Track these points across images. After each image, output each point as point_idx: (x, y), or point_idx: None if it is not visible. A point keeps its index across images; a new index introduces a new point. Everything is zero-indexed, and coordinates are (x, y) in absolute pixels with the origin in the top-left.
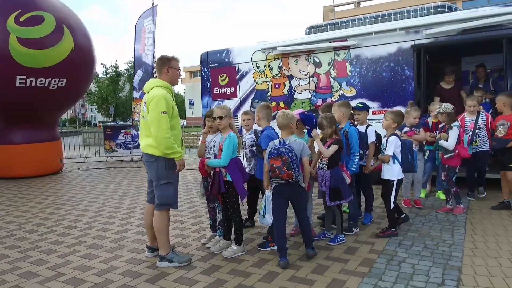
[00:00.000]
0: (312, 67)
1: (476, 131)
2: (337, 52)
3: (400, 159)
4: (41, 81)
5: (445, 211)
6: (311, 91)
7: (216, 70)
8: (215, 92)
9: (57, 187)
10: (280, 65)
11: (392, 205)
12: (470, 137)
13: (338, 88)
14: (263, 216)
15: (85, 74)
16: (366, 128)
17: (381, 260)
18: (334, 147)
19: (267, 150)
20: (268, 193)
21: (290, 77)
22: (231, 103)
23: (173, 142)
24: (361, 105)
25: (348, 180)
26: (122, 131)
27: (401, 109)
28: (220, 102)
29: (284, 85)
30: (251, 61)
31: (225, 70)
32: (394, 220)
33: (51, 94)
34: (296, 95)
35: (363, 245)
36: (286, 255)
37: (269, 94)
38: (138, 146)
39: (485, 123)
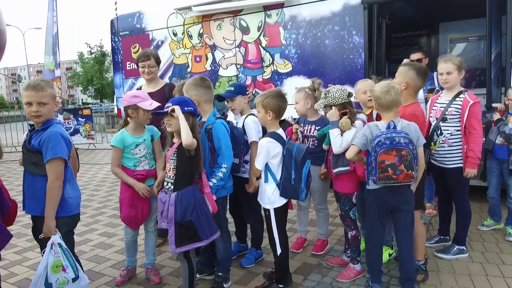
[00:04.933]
0: (239, 34)
1: (441, 123)
2: (268, 12)
3: (277, 177)
4: None
5: (338, 264)
6: (238, 66)
7: (128, 39)
8: (127, 67)
9: None
10: (201, 31)
11: (278, 250)
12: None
13: (270, 61)
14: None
15: None
16: (245, 120)
17: None
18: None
19: (375, 139)
20: (57, 239)
21: (213, 47)
22: None
23: None
24: (233, 89)
25: (210, 211)
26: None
27: (351, 89)
28: (134, 82)
29: (207, 58)
30: (167, 27)
31: (137, 39)
32: (285, 271)
33: None
34: (221, 71)
35: None
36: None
37: (189, 69)
38: (73, 133)
39: (460, 112)
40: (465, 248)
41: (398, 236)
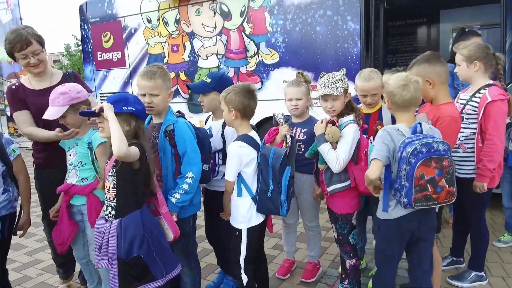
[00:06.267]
0: (220, 20)
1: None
2: None
3: (253, 189)
4: None
5: None
6: (219, 56)
7: (98, 26)
8: (98, 58)
9: None
10: (178, 17)
11: (244, 279)
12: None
13: (255, 51)
14: None
15: None
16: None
17: None
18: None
19: (406, 147)
20: None
21: (192, 36)
22: (119, 74)
23: None
24: (209, 81)
25: (171, 236)
26: None
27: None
28: (106, 74)
29: (184, 48)
30: (140, 13)
31: (109, 26)
32: None
33: None
34: (200, 62)
35: None
36: None
37: (165, 60)
38: None
39: (477, 111)
40: (484, 275)
41: (415, 275)
